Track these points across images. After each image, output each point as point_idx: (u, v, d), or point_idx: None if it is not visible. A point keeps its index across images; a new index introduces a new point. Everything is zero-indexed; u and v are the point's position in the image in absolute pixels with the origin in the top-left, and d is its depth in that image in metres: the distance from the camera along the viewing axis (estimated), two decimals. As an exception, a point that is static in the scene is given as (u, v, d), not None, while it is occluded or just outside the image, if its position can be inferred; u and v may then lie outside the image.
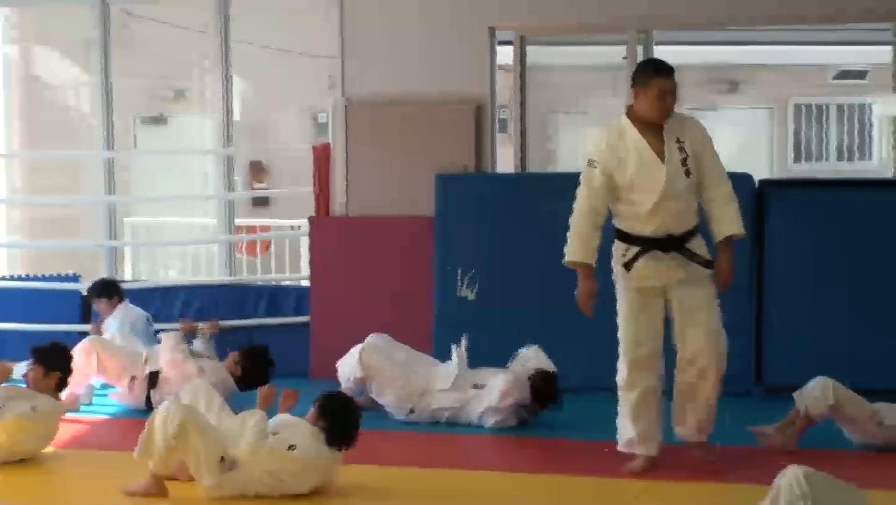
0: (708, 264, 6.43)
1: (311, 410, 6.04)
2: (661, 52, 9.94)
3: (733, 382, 8.51)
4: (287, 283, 11.26)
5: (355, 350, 8.06)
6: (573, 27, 9.95)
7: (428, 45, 9.52)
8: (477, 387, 7.81)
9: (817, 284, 8.59)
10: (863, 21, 9.72)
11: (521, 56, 9.75)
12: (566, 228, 6.45)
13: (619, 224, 6.46)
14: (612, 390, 6.64)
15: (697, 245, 6.46)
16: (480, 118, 9.47)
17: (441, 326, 9.10)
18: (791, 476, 4.59)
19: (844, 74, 15.37)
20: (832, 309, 8.56)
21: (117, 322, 8.98)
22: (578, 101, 14.69)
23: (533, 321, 8.76)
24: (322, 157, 9.75)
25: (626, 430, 6.52)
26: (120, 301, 9.19)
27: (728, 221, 6.41)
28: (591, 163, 6.38)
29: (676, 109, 6.42)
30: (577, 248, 6.38)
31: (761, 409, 7.68)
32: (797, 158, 15.88)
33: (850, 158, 15.62)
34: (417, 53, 9.53)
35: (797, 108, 16.06)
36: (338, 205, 9.69)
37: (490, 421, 7.71)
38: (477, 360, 8.01)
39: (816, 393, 7.02)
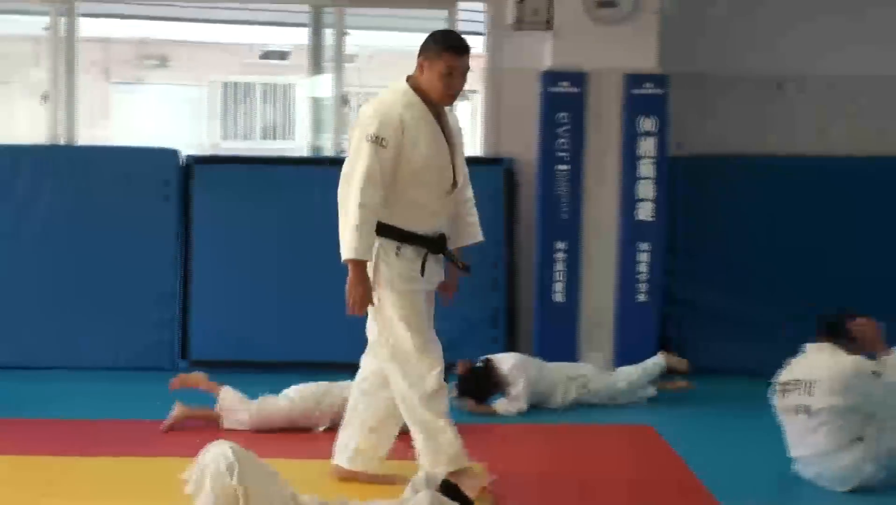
0: (467, 269, 5.72)
1: None
2: (88, 25, 9.66)
3: (157, 356, 8.56)
4: None
5: None
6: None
7: None
8: None
9: (243, 258, 8.69)
10: (284, 2, 9.94)
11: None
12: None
13: (389, 217, 5.41)
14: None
15: None
16: None
17: None
18: (216, 451, 4.53)
19: (269, 55, 15.70)
20: (257, 284, 8.68)
21: None
22: (3, 72, 13.95)
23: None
24: None
25: (449, 442, 5.50)
26: None
27: (474, 228, 5.76)
28: (377, 140, 5.27)
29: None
30: (364, 242, 5.29)
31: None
32: (225, 136, 16.04)
33: (276, 137, 16.00)
34: None
35: (225, 85, 16.21)
36: None
37: None
38: None
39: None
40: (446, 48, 5.39)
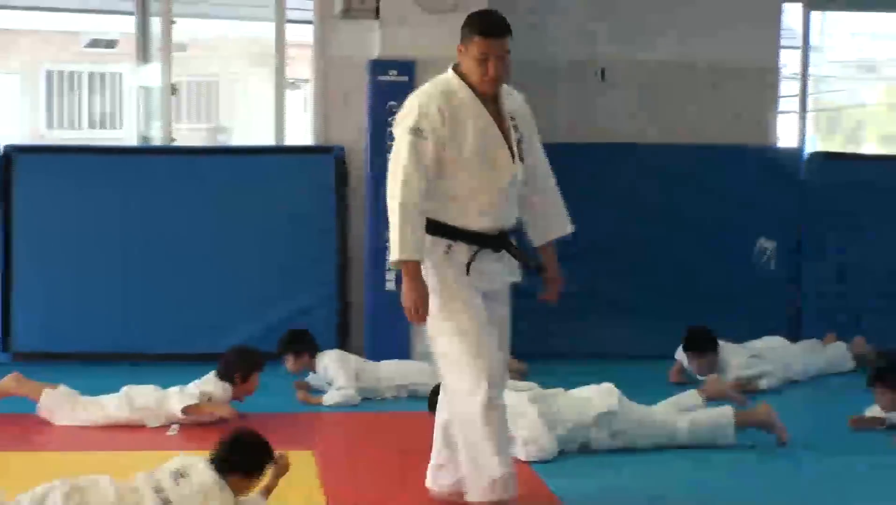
0: (540, 269, 5.25)
1: None
2: None
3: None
4: None
5: None
6: None
7: None
8: None
9: (69, 249, 8.56)
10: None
11: None
12: None
13: (437, 213, 4.97)
14: None
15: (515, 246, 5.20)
16: None
17: None
18: None
19: (96, 42, 15.40)
20: (84, 274, 8.56)
21: None
22: None
23: None
24: None
25: (491, 467, 4.97)
26: None
27: (561, 219, 5.30)
28: (416, 131, 4.88)
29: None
30: (410, 241, 4.82)
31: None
32: (50, 125, 15.68)
33: (104, 126, 15.72)
34: None
35: (49, 74, 15.84)
36: None
37: None
38: None
39: None
40: (479, 31, 4.95)
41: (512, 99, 5.16)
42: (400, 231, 4.83)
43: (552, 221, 5.29)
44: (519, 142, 5.06)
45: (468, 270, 4.97)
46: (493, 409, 4.96)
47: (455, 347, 4.98)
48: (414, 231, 4.85)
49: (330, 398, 7.41)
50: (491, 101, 5.04)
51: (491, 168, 4.99)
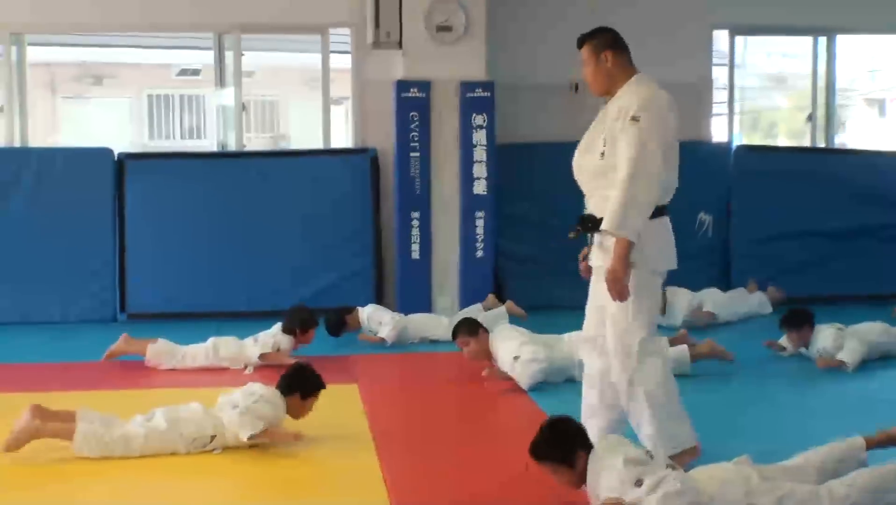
0: (572, 237, 4.53)
1: None
2: (35, 52, 9.32)
3: (101, 309, 8.36)
4: None
5: None
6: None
7: None
8: None
9: (169, 230, 8.51)
10: (193, 30, 9.71)
11: None
12: None
13: None
14: None
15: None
16: None
17: None
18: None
19: (184, 72, 15.38)
20: (181, 250, 8.51)
21: None
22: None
23: None
24: None
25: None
26: None
27: (608, 214, 4.29)
28: None
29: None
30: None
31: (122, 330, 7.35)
32: (152, 136, 15.69)
33: (192, 137, 15.72)
34: None
35: (150, 97, 15.83)
36: None
37: None
38: None
39: None
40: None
41: (620, 99, 4.42)
42: None
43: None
44: (605, 140, 4.38)
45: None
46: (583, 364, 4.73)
47: None
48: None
49: (387, 335, 7.32)
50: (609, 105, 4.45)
51: (578, 160, 4.53)
